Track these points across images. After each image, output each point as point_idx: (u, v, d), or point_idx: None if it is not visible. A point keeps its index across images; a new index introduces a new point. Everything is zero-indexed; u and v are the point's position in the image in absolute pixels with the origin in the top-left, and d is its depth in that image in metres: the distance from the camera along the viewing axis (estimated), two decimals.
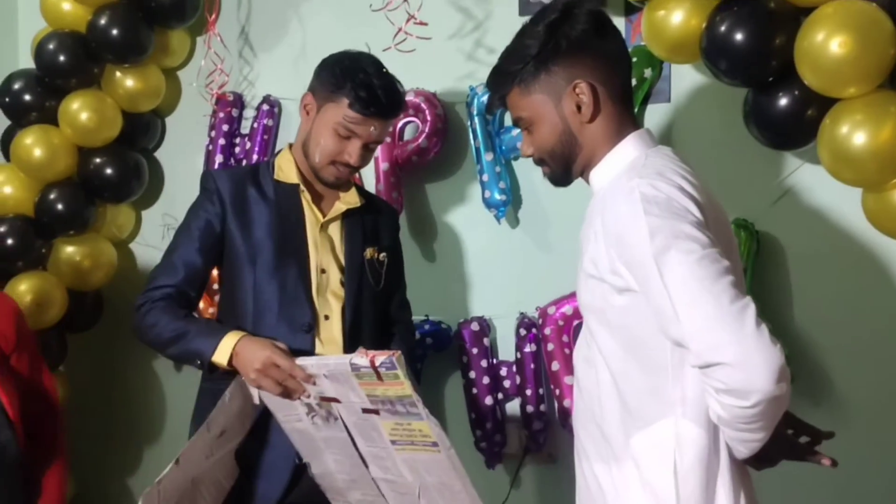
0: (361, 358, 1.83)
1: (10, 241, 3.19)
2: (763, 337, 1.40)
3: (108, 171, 3.23)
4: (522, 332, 2.69)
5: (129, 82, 3.20)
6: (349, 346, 2.13)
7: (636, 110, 2.44)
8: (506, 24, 2.67)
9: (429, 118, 2.75)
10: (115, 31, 3.08)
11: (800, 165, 2.39)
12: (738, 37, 2.14)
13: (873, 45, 1.99)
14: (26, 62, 3.35)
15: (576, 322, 2.55)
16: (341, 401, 1.94)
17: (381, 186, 2.79)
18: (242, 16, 3.17)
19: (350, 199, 2.25)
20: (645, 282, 1.49)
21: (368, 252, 2.25)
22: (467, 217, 2.86)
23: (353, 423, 1.96)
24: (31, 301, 3.11)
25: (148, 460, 3.45)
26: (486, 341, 2.75)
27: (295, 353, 2.02)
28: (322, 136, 2.15)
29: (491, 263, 2.84)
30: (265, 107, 3.07)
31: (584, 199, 1.71)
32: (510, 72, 1.67)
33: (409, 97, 2.76)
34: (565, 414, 2.55)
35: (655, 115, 2.53)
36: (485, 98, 2.65)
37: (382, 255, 2.27)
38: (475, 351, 2.73)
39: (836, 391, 2.38)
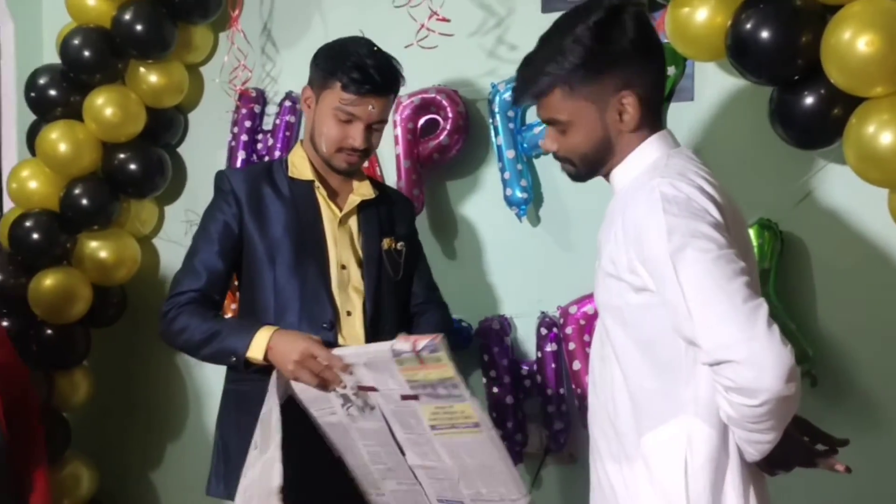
0: (404, 343, 1.82)
1: (35, 236, 3.21)
2: (774, 337, 1.41)
3: (132, 166, 3.24)
4: (543, 331, 2.68)
5: (153, 78, 3.22)
6: (371, 341, 2.11)
7: None
8: (528, 20, 2.66)
9: (450, 115, 2.74)
10: (139, 27, 3.09)
11: (825, 165, 2.36)
12: (764, 35, 2.12)
13: None
14: (51, 57, 3.37)
15: (597, 321, 2.53)
16: (379, 389, 1.92)
17: (402, 184, 2.79)
18: (265, 12, 3.18)
19: (364, 191, 2.24)
20: (661, 279, 1.50)
21: (386, 242, 2.24)
22: (488, 215, 2.85)
23: (390, 410, 1.95)
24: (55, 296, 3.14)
25: (170, 455, 3.47)
26: (507, 340, 2.74)
27: (327, 346, 2.00)
28: (324, 124, 2.14)
29: (512, 261, 2.83)
30: (287, 103, 3.07)
31: (605, 198, 1.70)
32: (552, 73, 1.61)
33: (431, 94, 2.76)
34: (586, 414, 2.53)
35: (679, 113, 2.50)
36: (507, 95, 2.64)
37: (400, 244, 2.27)
38: (496, 350, 2.72)
39: (860, 392, 2.36)
